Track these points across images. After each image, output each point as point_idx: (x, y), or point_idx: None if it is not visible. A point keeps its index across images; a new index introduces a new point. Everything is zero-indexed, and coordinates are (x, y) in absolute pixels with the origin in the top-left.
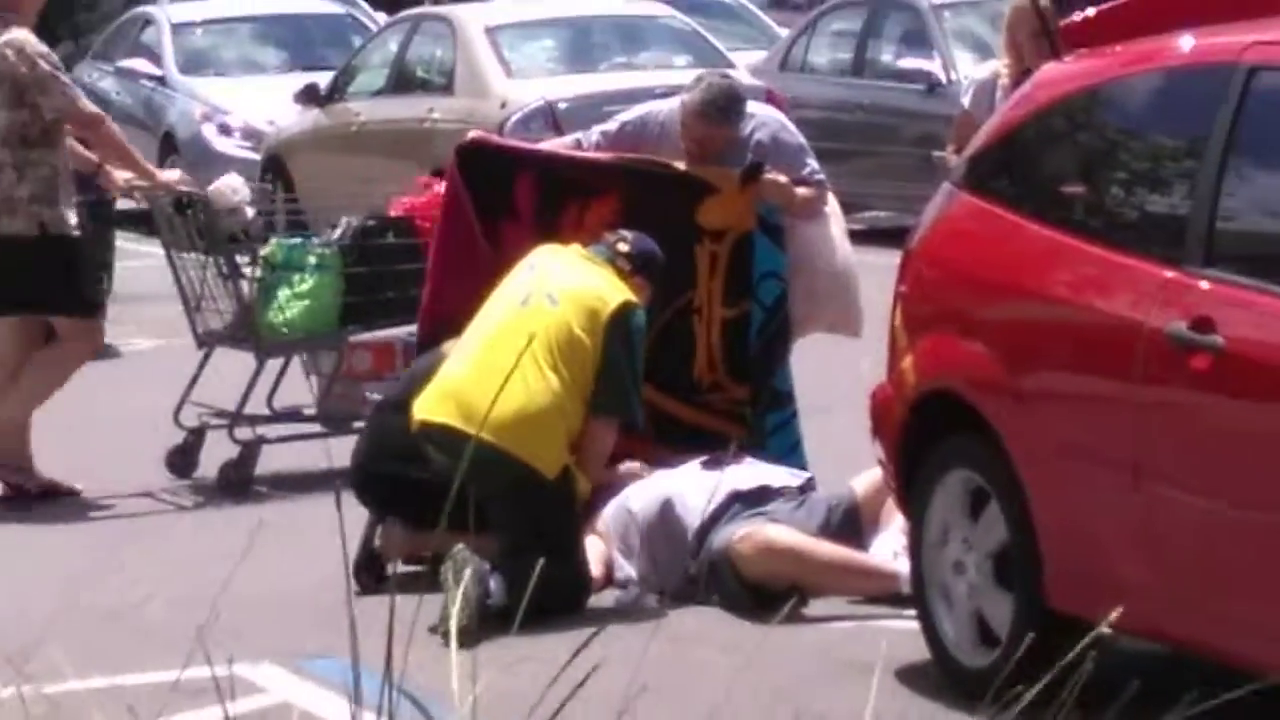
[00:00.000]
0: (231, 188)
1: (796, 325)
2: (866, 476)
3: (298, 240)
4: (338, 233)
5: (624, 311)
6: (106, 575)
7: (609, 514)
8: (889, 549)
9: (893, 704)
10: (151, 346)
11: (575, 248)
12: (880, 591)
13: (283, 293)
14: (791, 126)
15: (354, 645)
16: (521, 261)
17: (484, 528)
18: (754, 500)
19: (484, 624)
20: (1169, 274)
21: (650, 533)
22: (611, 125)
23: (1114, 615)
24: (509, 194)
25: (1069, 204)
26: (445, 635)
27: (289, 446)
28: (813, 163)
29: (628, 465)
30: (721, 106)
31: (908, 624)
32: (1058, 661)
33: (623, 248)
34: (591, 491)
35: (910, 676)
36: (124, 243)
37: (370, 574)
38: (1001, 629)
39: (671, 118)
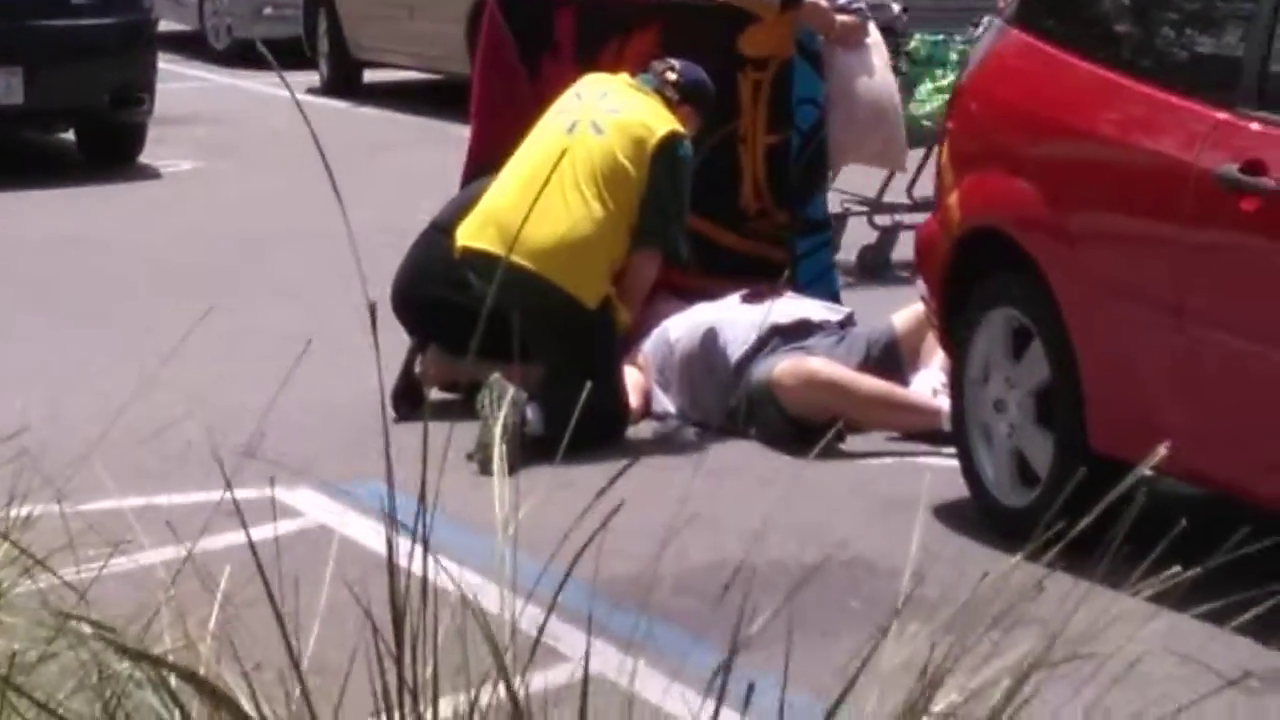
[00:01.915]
0: None
1: (837, 154)
2: (907, 312)
3: (940, 36)
4: (979, 30)
5: (670, 141)
6: (147, 392)
7: (649, 346)
8: (929, 386)
9: (930, 540)
10: (191, 168)
11: (623, 76)
12: (920, 427)
13: (924, 87)
14: None
15: (389, 467)
16: (568, 90)
17: (523, 357)
18: (794, 334)
19: (521, 452)
20: (1220, 115)
21: (690, 365)
22: None
23: (1159, 454)
24: (549, 30)
25: (1121, 43)
26: (482, 463)
27: (331, 256)
28: None
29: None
30: None
31: (947, 461)
32: (1098, 502)
33: (671, 76)
34: (632, 322)
35: (948, 514)
36: (166, 64)
37: (408, 401)
38: (1041, 469)
39: None
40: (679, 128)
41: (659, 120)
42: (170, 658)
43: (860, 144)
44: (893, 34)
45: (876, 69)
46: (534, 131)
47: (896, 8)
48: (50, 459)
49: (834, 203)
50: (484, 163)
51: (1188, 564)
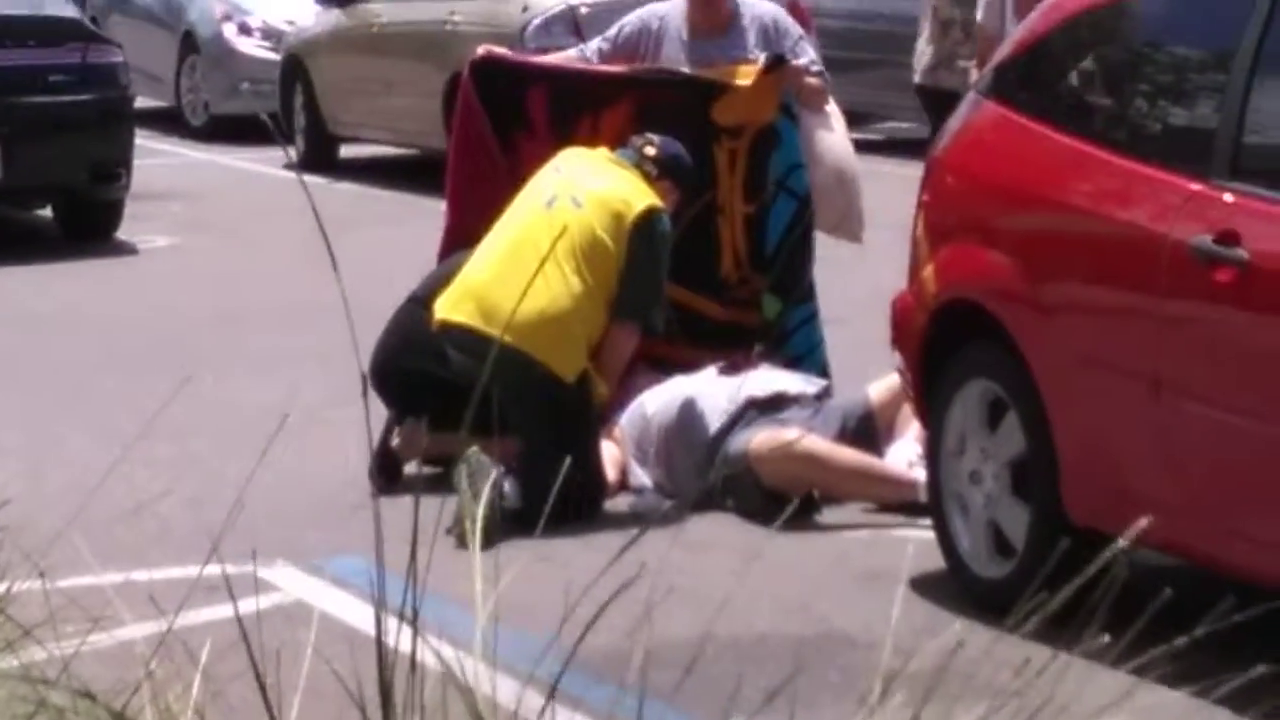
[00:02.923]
0: None
1: None
2: (882, 384)
3: None
4: None
5: (649, 216)
6: (126, 469)
7: (625, 419)
8: (905, 457)
9: (907, 613)
10: (167, 244)
11: (602, 151)
12: (897, 499)
13: None
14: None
15: (379, 543)
16: (546, 164)
17: (501, 430)
18: (770, 407)
19: (499, 526)
20: (1194, 186)
21: (667, 437)
22: (611, 30)
23: (1139, 526)
24: (523, 107)
25: (1094, 114)
26: (460, 537)
27: (308, 332)
28: (812, 53)
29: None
30: None
31: (923, 533)
32: (1075, 574)
33: (650, 151)
34: (609, 396)
35: (925, 586)
36: (143, 140)
37: (386, 474)
38: (1017, 540)
39: (671, 10)
40: (657, 202)
41: (638, 195)
42: None
43: (821, 214)
44: None
45: (837, 135)
46: (513, 205)
47: None
48: (29, 534)
49: None
50: (460, 239)
51: (1168, 635)
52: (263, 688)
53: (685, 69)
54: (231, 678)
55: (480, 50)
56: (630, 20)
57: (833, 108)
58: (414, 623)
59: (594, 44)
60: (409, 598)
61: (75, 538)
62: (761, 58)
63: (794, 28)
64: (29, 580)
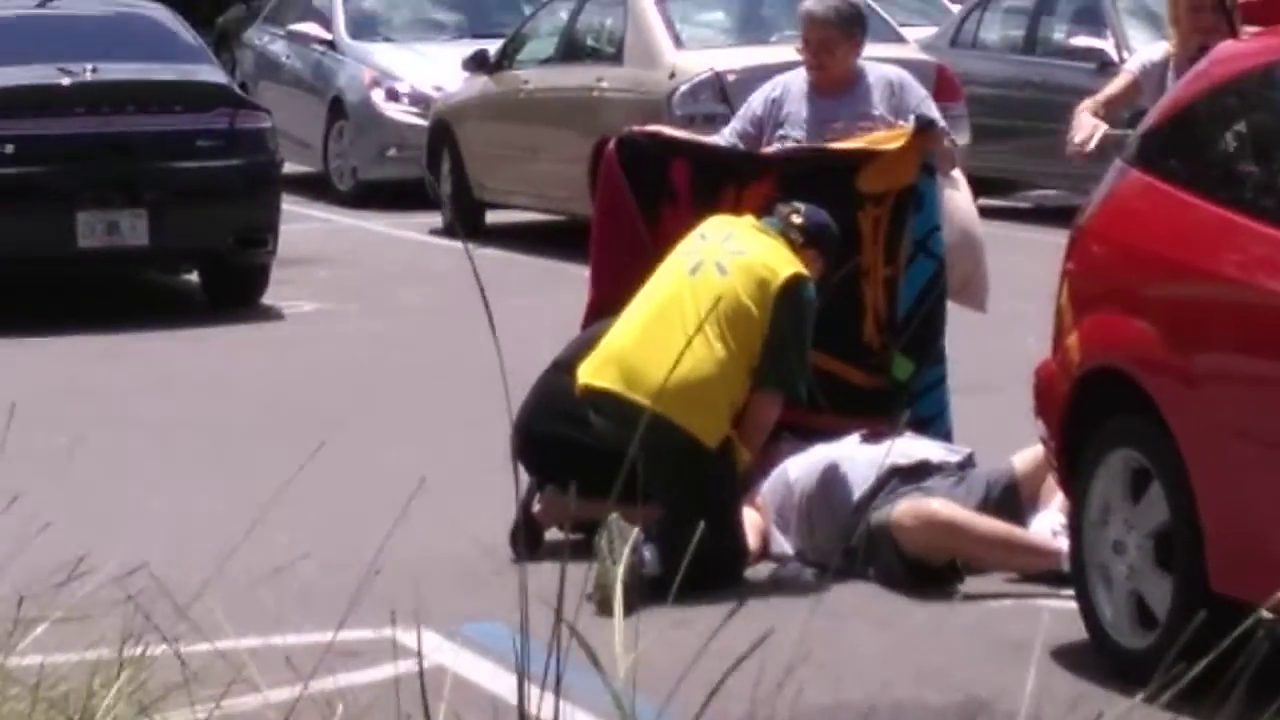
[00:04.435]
0: None
1: None
2: (1027, 453)
3: None
4: None
5: (794, 284)
6: (261, 532)
7: (767, 487)
8: (1048, 527)
9: (1049, 683)
10: (313, 309)
11: (748, 218)
12: (1039, 569)
13: None
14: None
15: (524, 610)
16: (692, 231)
17: (642, 498)
18: (914, 475)
19: (639, 593)
20: None
21: (809, 505)
22: (741, 110)
23: (1278, 596)
24: (666, 179)
25: (1241, 183)
26: (599, 603)
27: (452, 396)
28: (937, 114)
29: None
30: (836, 7)
31: (1066, 604)
32: (1218, 644)
33: (796, 220)
34: (752, 463)
35: (1067, 656)
36: (290, 205)
37: (526, 541)
38: (1161, 611)
39: (794, 75)
40: (803, 270)
41: (783, 262)
42: None
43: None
44: None
45: (964, 199)
46: (657, 272)
47: None
48: (167, 599)
49: None
50: (603, 311)
51: None
52: None
53: (806, 128)
54: None
55: (628, 129)
56: (755, 97)
57: (958, 173)
58: (557, 689)
59: (731, 129)
60: (551, 664)
61: (212, 602)
62: (911, 121)
63: (919, 88)
64: (165, 644)
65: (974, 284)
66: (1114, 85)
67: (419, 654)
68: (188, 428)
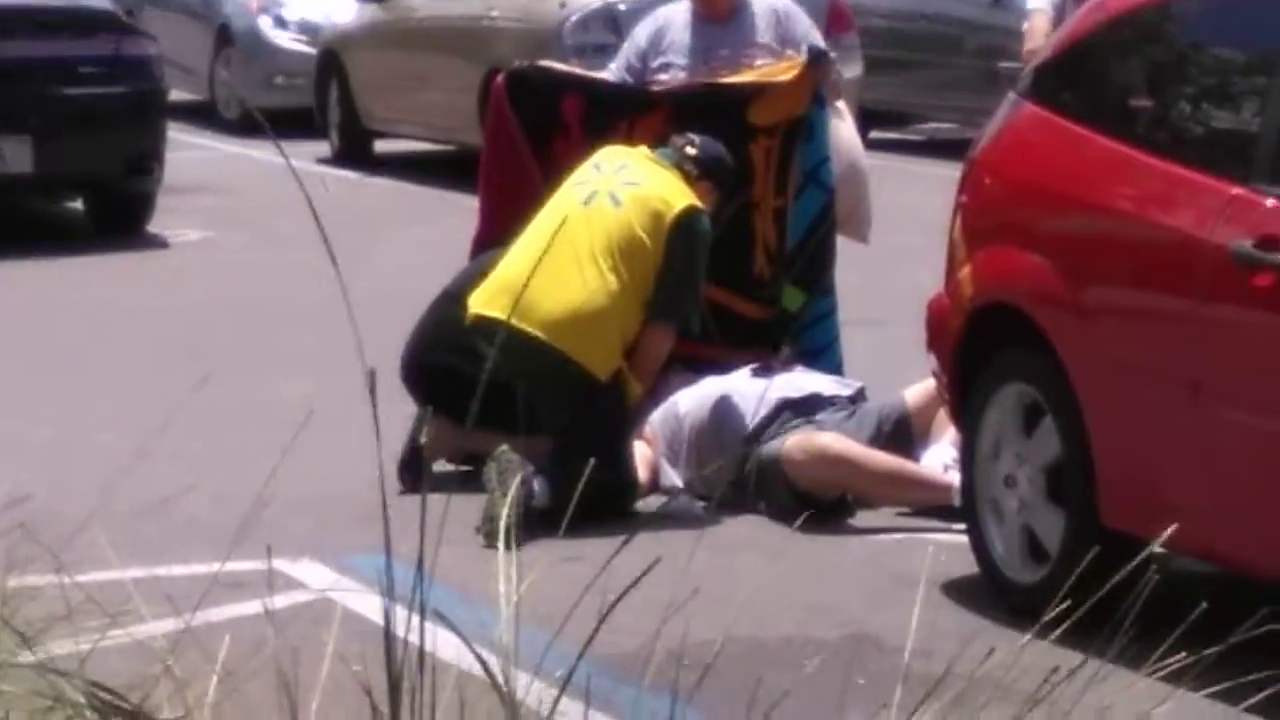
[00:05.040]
0: None
1: None
2: (919, 388)
3: None
4: None
5: (688, 216)
6: (147, 463)
7: (657, 419)
8: (939, 461)
9: (939, 617)
10: (199, 238)
11: (642, 149)
12: (930, 503)
13: None
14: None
15: (387, 539)
16: (586, 162)
17: (531, 429)
18: (804, 408)
19: (527, 525)
20: (1235, 190)
21: (699, 438)
22: (626, 47)
23: (1168, 532)
24: (557, 112)
25: (1136, 117)
26: (488, 535)
27: (339, 328)
28: (820, 42)
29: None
30: None
31: (957, 538)
32: (1109, 580)
33: (690, 152)
34: (642, 396)
35: (957, 590)
36: (176, 133)
37: (413, 472)
38: (1052, 545)
39: (676, 7)
40: (697, 203)
41: (677, 195)
42: None
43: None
44: None
45: (848, 131)
46: (550, 201)
47: None
48: (52, 529)
49: None
50: (490, 243)
51: (1205, 643)
52: (283, 684)
53: (690, 57)
54: (252, 675)
55: (514, 65)
56: (638, 29)
57: (843, 104)
58: (422, 616)
59: (618, 65)
60: (417, 596)
61: (97, 533)
62: (804, 52)
63: (804, 17)
64: (49, 575)
65: (857, 215)
66: (1037, 25)
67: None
68: (73, 357)
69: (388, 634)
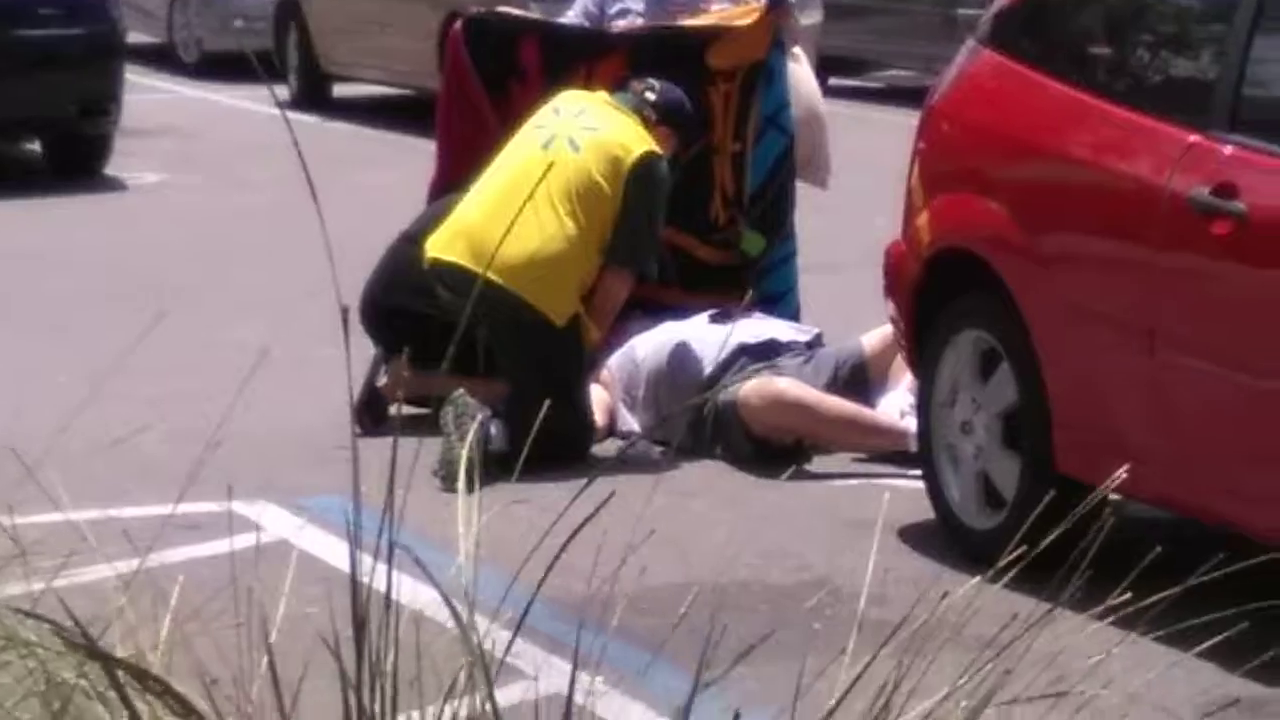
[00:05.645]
0: None
1: None
2: (876, 333)
3: None
4: None
5: (647, 161)
6: (102, 404)
7: (614, 363)
8: (896, 407)
9: (895, 562)
10: (157, 180)
11: (601, 94)
12: (887, 449)
13: None
14: None
15: (355, 482)
16: (545, 105)
17: (489, 372)
18: (761, 354)
19: (484, 469)
20: (1192, 138)
21: (656, 383)
22: None
23: (1119, 476)
24: (514, 57)
25: (1094, 64)
26: (445, 479)
27: (296, 270)
28: None
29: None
30: None
31: (912, 483)
32: (1064, 525)
33: (650, 96)
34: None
35: (913, 536)
36: (134, 76)
37: (371, 414)
38: (1007, 491)
39: None
40: (655, 148)
41: (636, 140)
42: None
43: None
44: None
45: (806, 76)
46: (509, 145)
47: None
48: (4, 470)
49: None
50: (445, 189)
51: (1158, 589)
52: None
53: (647, 4)
54: (208, 617)
55: (472, 10)
56: None
57: (800, 50)
58: (390, 557)
59: (576, 11)
60: (385, 535)
61: (50, 473)
62: None
63: None
64: (0, 514)
65: (816, 161)
66: None
67: (258, 527)
68: (28, 298)
69: (354, 575)
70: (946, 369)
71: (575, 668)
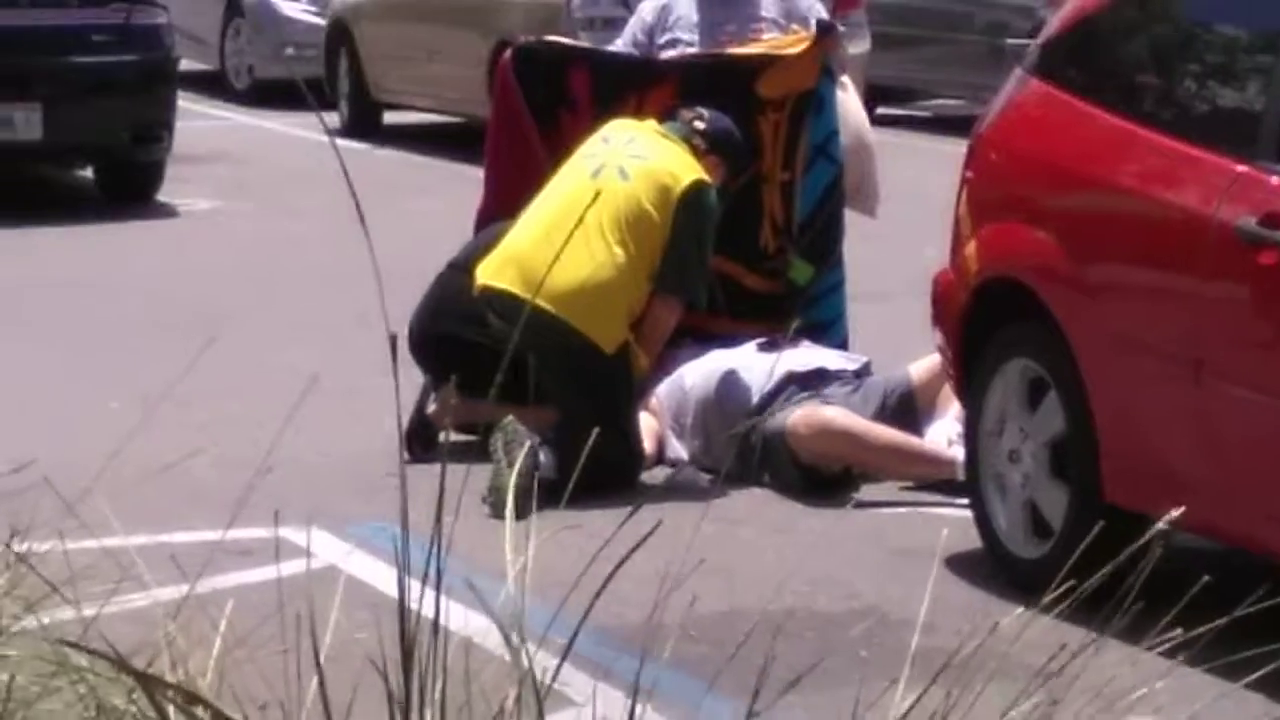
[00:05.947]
0: None
1: None
2: (924, 362)
3: None
4: None
5: (696, 190)
6: (153, 430)
7: (663, 391)
8: (944, 435)
9: (941, 591)
10: (209, 207)
11: (651, 123)
12: (935, 477)
13: None
14: None
15: (403, 509)
16: (595, 134)
17: (538, 400)
18: (810, 382)
19: (533, 496)
20: (1240, 168)
21: (704, 411)
22: (633, 19)
23: (1176, 512)
24: (564, 86)
25: (1141, 94)
26: (494, 505)
27: (347, 297)
28: (825, 16)
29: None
30: None
31: (961, 512)
32: (1111, 556)
33: (699, 125)
34: (649, 369)
35: (961, 565)
36: (186, 103)
37: (421, 441)
38: (1055, 520)
39: None
40: (705, 177)
41: (685, 169)
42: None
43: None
44: None
45: (854, 104)
46: (559, 174)
47: None
48: (56, 495)
49: None
50: (492, 218)
51: (1205, 619)
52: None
53: (697, 32)
54: (257, 643)
55: (523, 40)
56: (644, 4)
57: (848, 79)
58: (438, 583)
59: (625, 41)
60: (433, 562)
61: (101, 499)
62: (813, 25)
63: None
64: (52, 540)
65: (865, 189)
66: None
67: (308, 553)
68: (81, 325)
69: (402, 601)
70: (994, 398)
71: (634, 702)
